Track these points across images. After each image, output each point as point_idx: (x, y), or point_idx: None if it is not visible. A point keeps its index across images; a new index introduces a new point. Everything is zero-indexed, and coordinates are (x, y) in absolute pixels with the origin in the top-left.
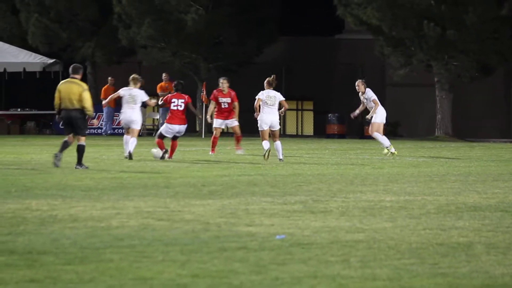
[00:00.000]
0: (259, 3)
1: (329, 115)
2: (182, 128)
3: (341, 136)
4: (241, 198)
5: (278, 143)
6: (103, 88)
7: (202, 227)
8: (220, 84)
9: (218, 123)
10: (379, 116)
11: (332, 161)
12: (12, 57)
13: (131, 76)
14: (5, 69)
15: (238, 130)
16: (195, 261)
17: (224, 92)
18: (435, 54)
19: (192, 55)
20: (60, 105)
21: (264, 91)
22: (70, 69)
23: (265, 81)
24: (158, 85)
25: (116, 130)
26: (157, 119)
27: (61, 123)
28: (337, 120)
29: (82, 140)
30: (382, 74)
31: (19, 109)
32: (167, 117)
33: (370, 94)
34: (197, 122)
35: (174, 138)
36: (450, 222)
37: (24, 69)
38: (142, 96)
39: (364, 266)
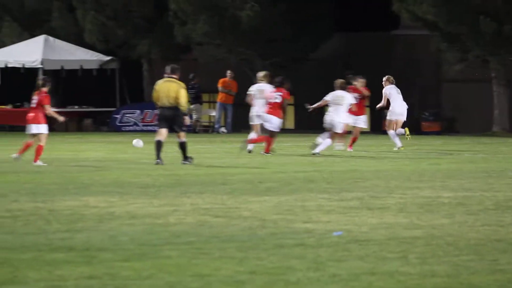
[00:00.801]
0: None
1: (386, 111)
2: (268, 117)
3: None
4: (298, 194)
5: (325, 136)
6: None
7: (259, 224)
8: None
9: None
10: (390, 112)
11: (389, 157)
12: (69, 54)
13: (263, 73)
14: (62, 67)
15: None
16: (252, 258)
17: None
18: (492, 50)
19: (247, 51)
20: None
21: (332, 92)
22: (168, 69)
23: (337, 83)
24: (221, 80)
25: None
26: (213, 115)
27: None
28: None
29: (182, 137)
30: (438, 70)
31: (76, 107)
32: None
33: (383, 91)
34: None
35: (268, 133)
36: (508, 218)
37: (81, 66)
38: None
39: (423, 262)
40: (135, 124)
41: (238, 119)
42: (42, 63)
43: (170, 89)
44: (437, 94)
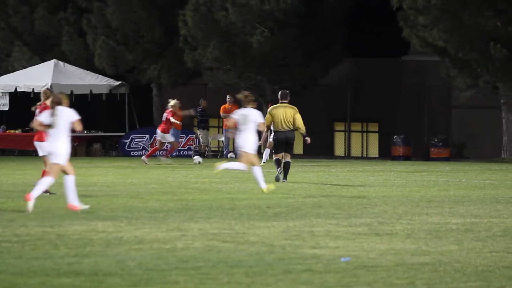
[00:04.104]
0: (325, 25)
1: (395, 137)
2: None
3: (406, 158)
4: (306, 220)
5: None
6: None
7: (267, 249)
8: None
9: None
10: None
11: (398, 183)
12: (79, 79)
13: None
14: (72, 91)
15: None
16: (259, 283)
17: None
18: (502, 76)
19: (257, 77)
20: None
21: None
22: (280, 94)
23: None
24: (222, 107)
25: (181, 152)
26: (222, 141)
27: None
28: (403, 142)
29: (289, 158)
30: (448, 96)
31: (85, 131)
32: None
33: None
34: (262, 143)
35: None
36: None
37: (91, 91)
38: None
39: None
40: (144, 148)
41: None
42: (51, 87)
43: (287, 114)
44: (447, 120)
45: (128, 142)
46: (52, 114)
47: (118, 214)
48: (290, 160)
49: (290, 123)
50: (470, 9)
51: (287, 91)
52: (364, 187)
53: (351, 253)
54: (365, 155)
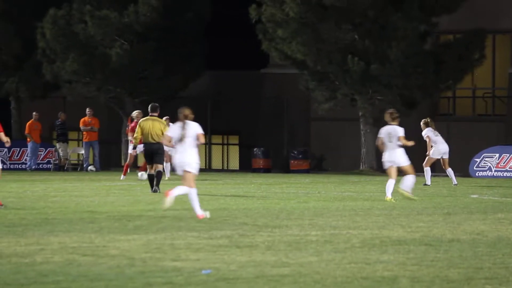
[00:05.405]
0: (185, 38)
1: (255, 149)
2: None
3: (266, 170)
4: (167, 233)
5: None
6: (27, 123)
7: (128, 263)
8: None
9: None
10: (432, 151)
11: (258, 195)
12: None
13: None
14: None
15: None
16: None
17: None
18: (360, 89)
19: (117, 89)
20: (141, 139)
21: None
22: (150, 107)
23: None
24: (81, 120)
25: (40, 165)
26: (82, 154)
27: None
28: (263, 154)
29: (160, 168)
30: (307, 108)
31: None
32: None
33: (423, 133)
34: (122, 157)
35: None
36: (375, 256)
37: None
38: None
39: None
40: (3, 162)
41: (107, 157)
42: None
43: (155, 127)
44: (306, 133)
45: None
46: (182, 128)
47: None
48: (161, 169)
49: (157, 136)
50: (328, 23)
51: (157, 104)
52: (224, 200)
53: (212, 265)
54: (226, 168)
